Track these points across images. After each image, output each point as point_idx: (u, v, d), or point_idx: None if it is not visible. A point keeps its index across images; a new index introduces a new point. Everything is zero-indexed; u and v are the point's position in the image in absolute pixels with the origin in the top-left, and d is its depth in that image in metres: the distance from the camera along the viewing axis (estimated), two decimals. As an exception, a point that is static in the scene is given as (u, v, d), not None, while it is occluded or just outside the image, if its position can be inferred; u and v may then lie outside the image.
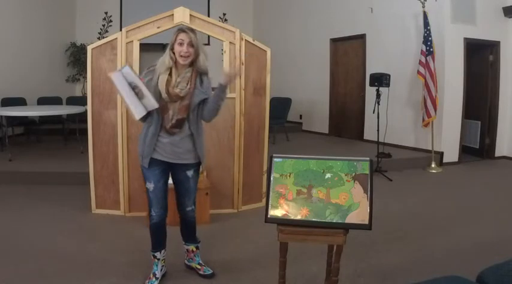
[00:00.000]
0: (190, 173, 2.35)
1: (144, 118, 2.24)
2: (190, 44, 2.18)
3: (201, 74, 2.27)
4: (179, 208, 2.44)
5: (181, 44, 2.17)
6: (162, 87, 2.18)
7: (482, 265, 1.69)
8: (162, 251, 2.42)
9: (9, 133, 5.60)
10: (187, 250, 2.55)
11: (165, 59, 2.21)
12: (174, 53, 2.20)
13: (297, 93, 7.89)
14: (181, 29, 2.22)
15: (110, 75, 2.12)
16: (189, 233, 2.52)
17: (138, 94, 2.12)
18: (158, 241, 2.40)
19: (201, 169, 2.43)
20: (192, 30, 2.22)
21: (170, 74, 2.21)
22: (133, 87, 2.12)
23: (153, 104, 2.13)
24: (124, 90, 2.12)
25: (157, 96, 2.18)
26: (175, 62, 2.21)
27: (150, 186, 2.30)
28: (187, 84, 2.21)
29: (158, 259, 2.40)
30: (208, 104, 2.28)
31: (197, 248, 2.55)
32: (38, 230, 3.21)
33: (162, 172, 2.31)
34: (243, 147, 3.69)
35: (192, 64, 2.24)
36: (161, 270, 2.43)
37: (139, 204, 3.54)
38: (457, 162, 5.98)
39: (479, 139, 6.39)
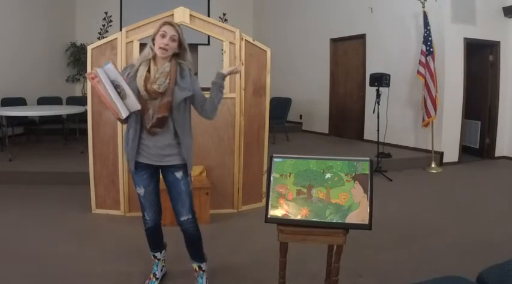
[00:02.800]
0: (179, 174, 2.16)
1: (125, 120, 2.11)
2: (173, 39, 2.05)
3: (181, 70, 2.12)
4: (176, 217, 2.24)
5: (163, 36, 2.04)
6: (140, 83, 2.03)
7: (482, 265, 1.69)
8: (163, 251, 2.41)
9: (9, 133, 5.60)
10: (192, 267, 2.37)
11: (145, 51, 2.10)
12: (154, 45, 2.08)
13: (297, 93, 7.88)
14: (167, 22, 2.09)
15: (95, 70, 1.93)
16: (189, 248, 2.31)
17: (121, 94, 1.98)
18: (156, 242, 2.38)
19: (188, 171, 2.20)
20: (178, 26, 2.12)
21: (149, 70, 2.08)
22: (116, 86, 1.97)
23: (135, 105, 1.99)
24: (110, 87, 1.95)
25: (136, 93, 2.03)
26: (154, 55, 2.09)
27: (141, 191, 2.21)
28: (165, 79, 2.05)
29: (158, 259, 2.40)
30: (209, 99, 2.18)
31: (200, 268, 2.33)
32: (38, 230, 3.21)
33: (151, 175, 2.20)
34: (243, 147, 3.69)
35: (171, 59, 2.11)
36: (161, 270, 2.43)
37: (139, 204, 3.53)
38: (457, 162, 5.98)
39: (479, 139, 6.39)
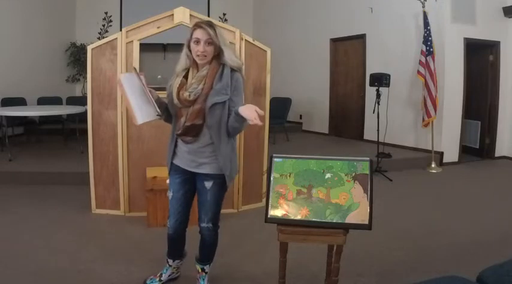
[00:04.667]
0: (208, 184, 2.06)
1: (168, 119, 2.10)
2: (208, 42, 1.92)
3: (222, 71, 1.98)
4: (198, 219, 2.21)
5: (197, 42, 1.92)
6: (174, 91, 1.97)
7: (482, 265, 1.69)
8: (177, 261, 2.37)
9: (9, 133, 5.60)
10: (196, 267, 2.35)
11: (181, 59, 2.01)
12: (190, 51, 1.97)
13: (297, 93, 7.89)
14: (198, 25, 1.94)
15: (119, 77, 1.94)
16: (200, 252, 2.29)
17: (154, 99, 1.98)
18: (171, 251, 2.33)
19: (227, 184, 2.10)
20: (211, 25, 1.94)
21: (186, 76, 2.00)
22: (145, 92, 1.97)
23: (151, 114, 1.98)
24: (133, 93, 1.94)
25: (172, 101, 2.00)
26: (194, 61, 1.99)
27: (170, 194, 2.16)
28: (199, 84, 1.94)
29: (170, 266, 2.38)
30: (229, 120, 1.98)
31: (203, 270, 2.30)
32: (38, 231, 3.21)
33: (184, 182, 2.13)
34: (243, 147, 3.69)
35: (212, 61, 1.98)
36: (169, 276, 2.40)
37: (139, 204, 3.54)
38: (457, 162, 5.98)
39: (479, 139, 6.39)
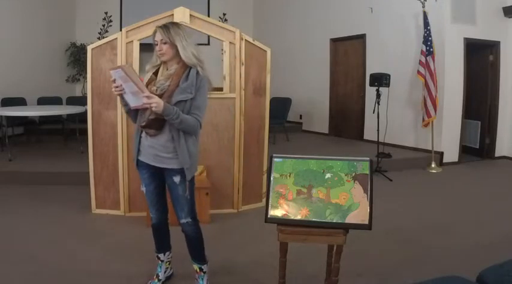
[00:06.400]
0: (177, 179, 2.11)
1: (130, 112, 2.14)
2: (164, 42, 2.04)
3: (190, 69, 2.06)
4: (177, 218, 2.24)
5: (156, 44, 2.08)
6: None
7: (482, 265, 1.69)
8: (166, 253, 2.39)
9: (9, 133, 5.60)
10: (193, 268, 2.35)
11: (153, 57, 2.14)
12: None
13: (297, 93, 7.89)
14: (156, 27, 2.10)
15: (115, 67, 1.96)
16: (190, 250, 2.30)
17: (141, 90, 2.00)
18: (159, 242, 2.37)
19: (187, 177, 2.11)
20: (165, 26, 2.06)
21: (157, 73, 2.12)
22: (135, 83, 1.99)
23: (132, 104, 2.02)
24: (126, 82, 1.97)
25: None
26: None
27: (143, 188, 2.25)
28: (166, 81, 2.05)
29: (162, 261, 2.38)
30: None
31: (201, 270, 2.31)
32: (38, 231, 3.21)
33: (152, 176, 2.19)
34: (243, 147, 3.69)
35: (180, 60, 2.08)
36: (165, 272, 2.41)
37: (139, 204, 3.54)
38: (457, 162, 5.98)
39: (479, 139, 6.39)
